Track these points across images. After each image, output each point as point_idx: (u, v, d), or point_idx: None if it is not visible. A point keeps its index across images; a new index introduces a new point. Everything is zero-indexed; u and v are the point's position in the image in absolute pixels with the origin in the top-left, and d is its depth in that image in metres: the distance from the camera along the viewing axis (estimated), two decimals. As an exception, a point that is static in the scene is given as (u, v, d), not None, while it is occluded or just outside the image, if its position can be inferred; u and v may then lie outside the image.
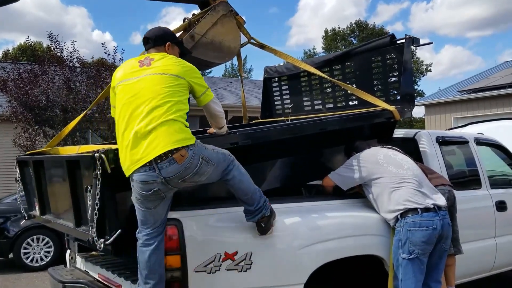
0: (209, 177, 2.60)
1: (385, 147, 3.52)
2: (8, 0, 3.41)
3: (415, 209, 3.14)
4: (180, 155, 2.43)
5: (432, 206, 3.17)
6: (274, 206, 2.95)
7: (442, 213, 3.21)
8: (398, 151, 3.49)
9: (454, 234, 3.72)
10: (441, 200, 3.28)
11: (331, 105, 4.76)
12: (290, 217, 2.98)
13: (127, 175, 2.50)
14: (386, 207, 3.24)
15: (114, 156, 2.54)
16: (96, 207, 2.52)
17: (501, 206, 4.45)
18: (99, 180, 2.48)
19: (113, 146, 2.63)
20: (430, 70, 40.60)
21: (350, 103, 4.52)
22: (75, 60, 12.24)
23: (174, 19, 64.85)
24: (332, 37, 41.02)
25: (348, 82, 4.48)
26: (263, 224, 2.73)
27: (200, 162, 2.49)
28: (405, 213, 3.15)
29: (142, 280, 2.57)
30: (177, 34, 3.86)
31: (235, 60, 4.25)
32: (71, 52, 12.22)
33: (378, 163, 3.32)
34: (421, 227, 3.11)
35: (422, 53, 55.43)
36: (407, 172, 3.28)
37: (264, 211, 2.74)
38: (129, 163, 2.47)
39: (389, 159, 3.35)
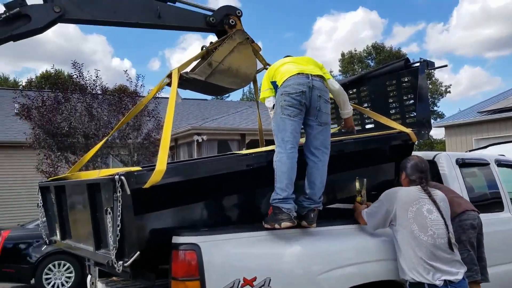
0: (327, 128, 3.20)
1: (425, 194, 3.17)
2: (32, 32, 3.52)
3: (422, 284, 2.98)
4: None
5: (441, 283, 2.96)
6: (292, 231, 2.98)
7: (454, 285, 2.99)
8: (437, 205, 3.12)
9: (482, 262, 3.65)
10: (458, 274, 3.01)
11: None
12: (308, 241, 2.97)
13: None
14: (400, 261, 3.12)
15: (135, 179, 2.56)
16: (118, 229, 2.55)
17: (525, 229, 4.35)
18: (119, 202, 2.52)
19: (133, 169, 2.67)
20: (449, 92, 40.33)
21: (367, 126, 4.51)
22: (98, 87, 12.54)
23: (190, 45, 66.25)
24: (348, 60, 41.17)
25: (364, 105, 4.49)
26: (312, 215, 3.03)
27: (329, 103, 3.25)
28: (412, 284, 3.03)
29: (281, 189, 2.95)
30: (195, 62, 3.96)
31: (252, 85, 4.33)
32: (94, 80, 12.54)
33: (407, 214, 3.09)
34: None
35: (441, 75, 55.13)
36: (428, 239, 3.02)
37: (320, 205, 3.13)
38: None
39: (418, 217, 3.07)
